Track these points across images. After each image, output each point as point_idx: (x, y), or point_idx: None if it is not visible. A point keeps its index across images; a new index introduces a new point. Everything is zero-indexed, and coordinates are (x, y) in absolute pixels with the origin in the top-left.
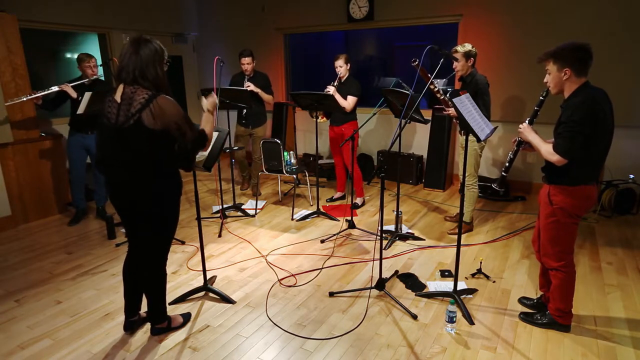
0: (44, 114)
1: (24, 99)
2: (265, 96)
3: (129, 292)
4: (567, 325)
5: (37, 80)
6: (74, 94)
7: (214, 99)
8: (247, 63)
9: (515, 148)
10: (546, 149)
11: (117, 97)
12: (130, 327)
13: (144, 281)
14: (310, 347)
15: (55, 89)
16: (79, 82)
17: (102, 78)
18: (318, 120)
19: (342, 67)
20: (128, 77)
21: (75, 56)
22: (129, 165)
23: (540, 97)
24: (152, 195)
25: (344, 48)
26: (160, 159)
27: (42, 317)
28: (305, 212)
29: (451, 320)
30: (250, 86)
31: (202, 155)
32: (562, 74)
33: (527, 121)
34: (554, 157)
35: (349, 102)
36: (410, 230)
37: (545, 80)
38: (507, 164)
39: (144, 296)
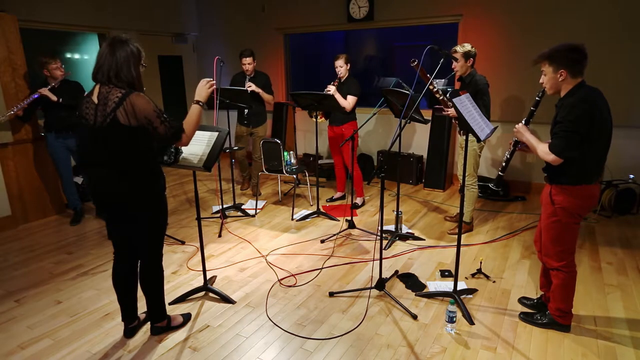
0: (39, 114)
1: (13, 112)
2: (266, 96)
3: (123, 298)
4: (567, 325)
5: (37, 81)
6: (54, 98)
7: (204, 86)
8: (248, 63)
9: (512, 148)
10: (542, 149)
11: (95, 97)
12: (131, 333)
13: (142, 280)
14: (310, 347)
15: (36, 95)
16: (50, 86)
17: (69, 78)
18: (317, 120)
19: (342, 67)
20: (103, 78)
21: (76, 56)
22: (112, 164)
23: (537, 98)
24: (137, 193)
25: (344, 48)
26: (142, 156)
27: (42, 317)
28: (305, 212)
29: (451, 320)
30: (251, 86)
31: (202, 153)
32: (558, 76)
33: (522, 121)
34: (550, 157)
35: (349, 102)
36: (410, 230)
37: (541, 80)
38: (503, 164)
39: (138, 300)
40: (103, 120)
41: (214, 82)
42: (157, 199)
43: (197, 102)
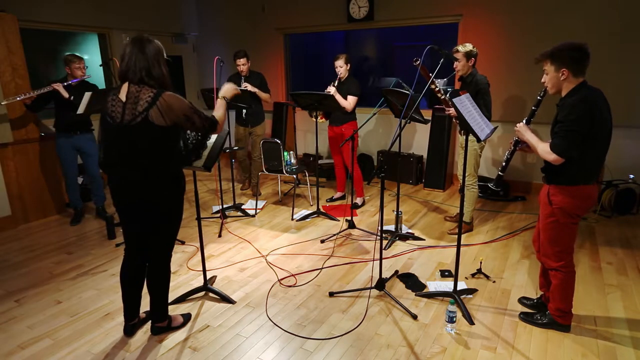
0: (41, 114)
1: (18, 99)
2: (263, 95)
3: (129, 296)
4: (567, 325)
5: (37, 80)
6: (65, 94)
7: (232, 87)
8: (242, 64)
9: (512, 148)
10: (543, 148)
11: (122, 96)
12: (131, 331)
13: (150, 279)
14: (310, 347)
15: (48, 88)
16: (67, 82)
17: (89, 80)
18: (317, 120)
19: (342, 67)
20: (135, 77)
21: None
22: (135, 163)
23: (538, 97)
24: (159, 193)
25: (344, 48)
26: (166, 157)
27: (42, 317)
28: (305, 212)
29: (451, 320)
30: (247, 86)
31: (202, 154)
32: (560, 75)
33: (524, 121)
34: (551, 157)
35: (349, 102)
36: (410, 230)
37: (542, 80)
38: (503, 164)
39: (142, 299)
40: (132, 119)
41: (239, 90)
42: (176, 201)
43: (224, 98)
